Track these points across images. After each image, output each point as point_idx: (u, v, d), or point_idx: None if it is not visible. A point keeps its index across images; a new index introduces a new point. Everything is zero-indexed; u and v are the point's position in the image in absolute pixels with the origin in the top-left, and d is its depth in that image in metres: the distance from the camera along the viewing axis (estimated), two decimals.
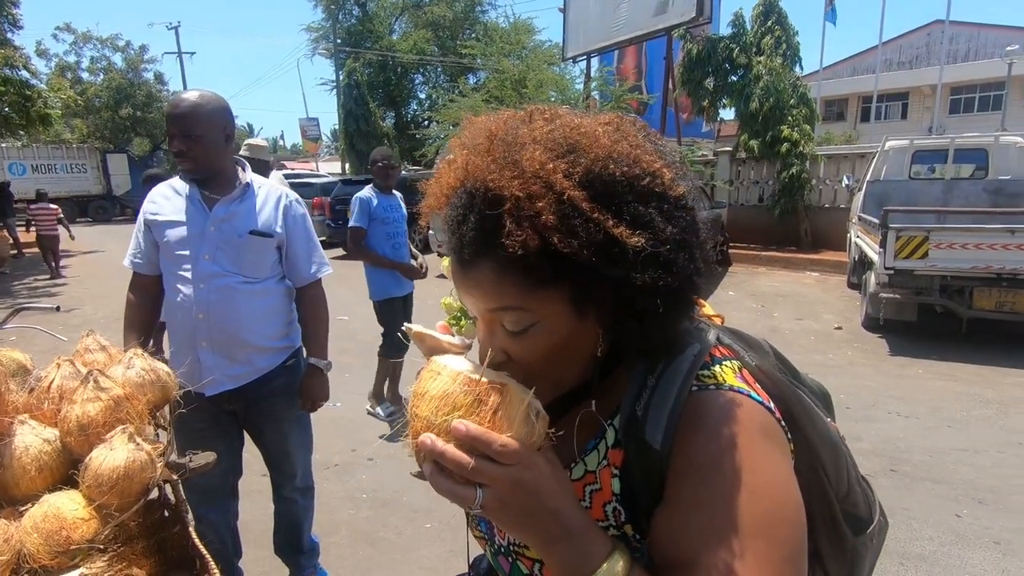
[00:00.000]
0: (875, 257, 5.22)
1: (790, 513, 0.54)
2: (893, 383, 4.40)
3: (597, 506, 0.62)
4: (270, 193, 1.93)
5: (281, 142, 59.71)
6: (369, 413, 4.03)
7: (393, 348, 3.97)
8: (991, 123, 15.72)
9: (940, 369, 4.70)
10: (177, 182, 1.89)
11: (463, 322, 0.77)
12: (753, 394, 0.59)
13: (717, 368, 0.61)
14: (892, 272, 4.99)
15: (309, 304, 2.03)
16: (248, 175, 1.92)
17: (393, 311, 3.91)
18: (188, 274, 1.83)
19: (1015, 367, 4.65)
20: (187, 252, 1.83)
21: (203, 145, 1.76)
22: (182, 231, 1.83)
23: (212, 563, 1.29)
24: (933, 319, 5.23)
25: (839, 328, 5.85)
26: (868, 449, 3.34)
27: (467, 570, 0.86)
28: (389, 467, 3.26)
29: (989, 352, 4.98)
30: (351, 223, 3.70)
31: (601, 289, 0.57)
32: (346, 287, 8.78)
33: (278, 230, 1.89)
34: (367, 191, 3.80)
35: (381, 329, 4.02)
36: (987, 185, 6.81)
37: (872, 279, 5.43)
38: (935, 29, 20.68)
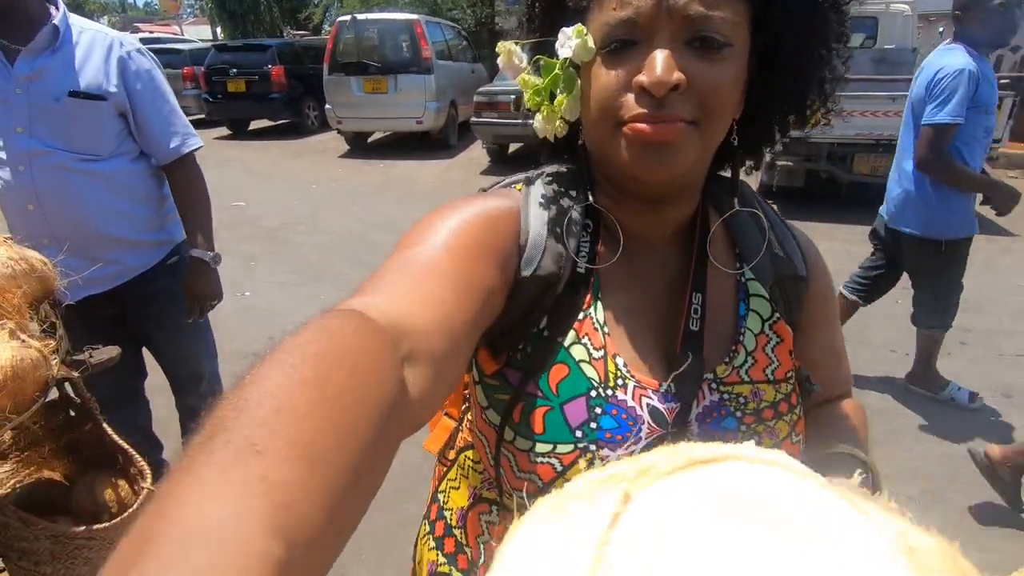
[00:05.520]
0: None
1: None
2: None
3: (784, 357, 0.61)
4: (96, 39, 1.47)
5: (131, 0, 50.34)
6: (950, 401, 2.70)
7: (945, 315, 2.59)
8: None
9: (821, 230, 5.19)
10: None
11: (560, 99, 0.55)
12: None
13: None
14: (788, 140, 5.24)
15: (179, 187, 1.66)
16: (61, 13, 1.44)
17: (962, 256, 2.46)
18: (2, 154, 1.45)
19: None
20: None
21: None
22: None
23: (137, 456, 1.22)
24: (818, 184, 5.67)
25: None
26: None
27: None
28: None
29: (861, 213, 5.52)
30: (939, 116, 2.18)
31: (772, 51, 0.56)
32: (236, 170, 8.02)
33: (112, 90, 1.48)
34: (961, 57, 2.17)
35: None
36: (874, 54, 7.14)
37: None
38: None
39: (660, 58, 0.49)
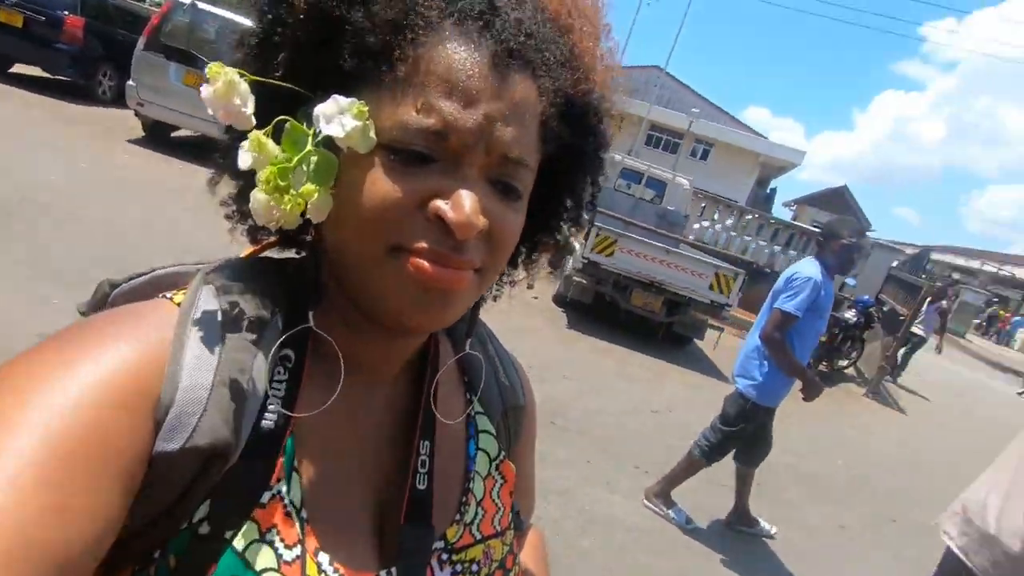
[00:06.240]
0: (576, 246, 6.14)
1: None
2: (564, 351, 5.32)
3: (507, 499, 0.55)
4: None
5: None
6: (658, 514, 3.21)
7: (718, 452, 3.15)
8: (668, 162, 20.11)
9: (599, 345, 5.87)
10: None
11: (309, 188, 0.39)
12: None
13: None
14: (586, 262, 5.97)
15: None
16: None
17: (758, 418, 3.08)
18: None
19: (643, 352, 6.13)
20: None
21: None
22: None
23: None
24: (602, 305, 6.47)
25: (536, 299, 6.77)
26: (537, 403, 3.98)
27: None
28: None
29: (631, 338, 6.43)
30: (786, 305, 2.85)
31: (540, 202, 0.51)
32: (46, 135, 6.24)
33: None
34: (814, 269, 2.89)
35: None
36: (659, 210, 8.67)
37: (570, 263, 6.41)
38: (653, 73, 25.15)
39: (470, 197, 0.39)
